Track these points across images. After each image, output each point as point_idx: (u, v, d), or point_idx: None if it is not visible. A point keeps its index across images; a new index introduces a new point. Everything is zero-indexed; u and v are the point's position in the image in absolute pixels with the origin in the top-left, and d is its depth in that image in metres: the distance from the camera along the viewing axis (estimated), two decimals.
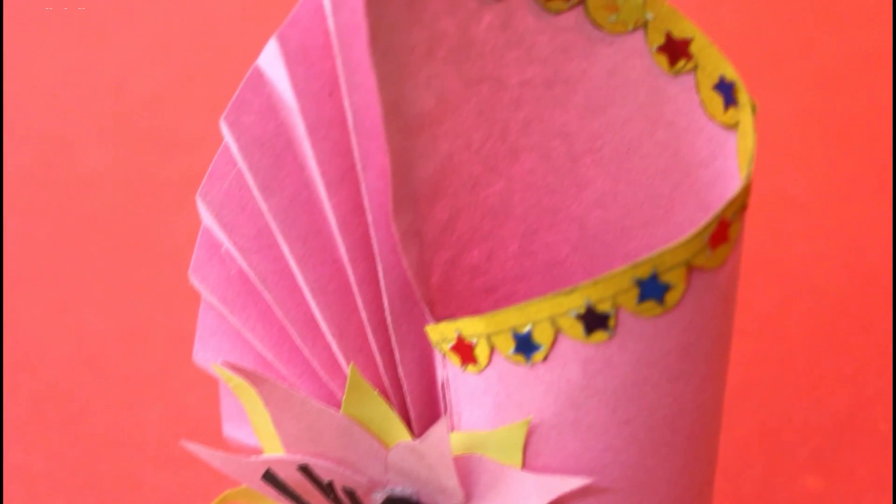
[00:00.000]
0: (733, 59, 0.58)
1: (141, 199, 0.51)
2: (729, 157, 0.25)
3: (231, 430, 0.30)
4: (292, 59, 0.24)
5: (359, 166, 0.24)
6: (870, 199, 0.48)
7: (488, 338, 0.24)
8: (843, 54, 0.56)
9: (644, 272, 0.23)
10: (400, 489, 0.27)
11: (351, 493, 0.27)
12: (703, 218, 0.26)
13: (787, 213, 0.47)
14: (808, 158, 0.50)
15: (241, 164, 0.25)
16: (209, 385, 0.37)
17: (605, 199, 0.27)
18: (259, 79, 0.25)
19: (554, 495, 0.25)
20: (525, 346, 0.24)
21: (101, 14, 0.61)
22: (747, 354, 0.41)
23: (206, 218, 0.26)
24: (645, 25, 0.25)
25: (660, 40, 0.25)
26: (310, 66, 0.24)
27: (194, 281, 0.27)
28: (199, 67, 0.58)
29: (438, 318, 0.26)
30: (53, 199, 0.51)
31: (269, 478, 0.27)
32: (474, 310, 0.28)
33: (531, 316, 0.23)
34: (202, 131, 0.53)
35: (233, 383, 0.27)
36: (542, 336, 0.24)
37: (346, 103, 0.23)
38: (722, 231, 0.23)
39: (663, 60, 0.25)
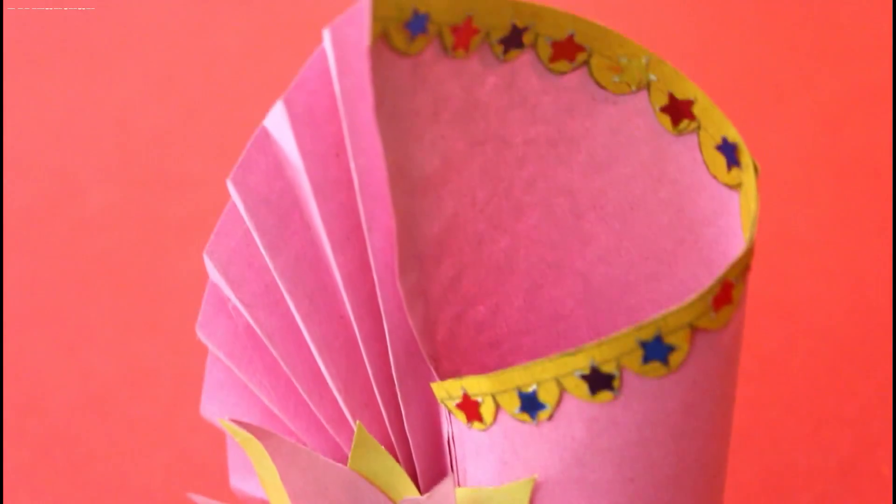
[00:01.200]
0: (735, 98, 0.59)
1: (146, 239, 0.51)
2: (732, 215, 0.25)
3: (238, 481, 0.30)
4: (298, 122, 0.24)
5: (365, 227, 0.24)
6: (872, 240, 0.48)
7: (493, 396, 0.24)
8: (845, 93, 0.56)
9: (648, 334, 0.23)
10: None
11: None
12: (706, 274, 0.26)
13: (788, 253, 0.47)
14: (811, 198, 0.50)
15: (248, 222, 0.25)
16: (215, 430, 0.37)
17: (608, 255, 0.27)
18: (266, 139, 0.25)
19: None
20: (530, 404, 0.24)
21: (107, 52, 0.61)
22: (750, 398, 0.42)
23: (213, 274, 0.27)
24: (648, 86, 0.25)
25: (663, 101, 0.25)
26: (316, 128, 0.24)
27: (202, 336, 0.27)
28: (205, 106, 0.58)
29: (444, 374, 0.27)
30: (57, 238, 0.51)
31: None
32: (479, 364, 0.28)
33: (536, 376, 0.24)
34: (208, 170, 0.54)
35: (239, 437, 0.28)
36: (548, 395, 0.24)
37: (352, 166, 0.24)
38: (725, 293, 0.23)
39: (666, 120, 0.25)
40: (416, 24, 0.23)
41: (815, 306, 0.46)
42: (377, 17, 0.22)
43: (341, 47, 0.23)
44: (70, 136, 0.56)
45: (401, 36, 0.22)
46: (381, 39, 0.22)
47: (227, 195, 0.26)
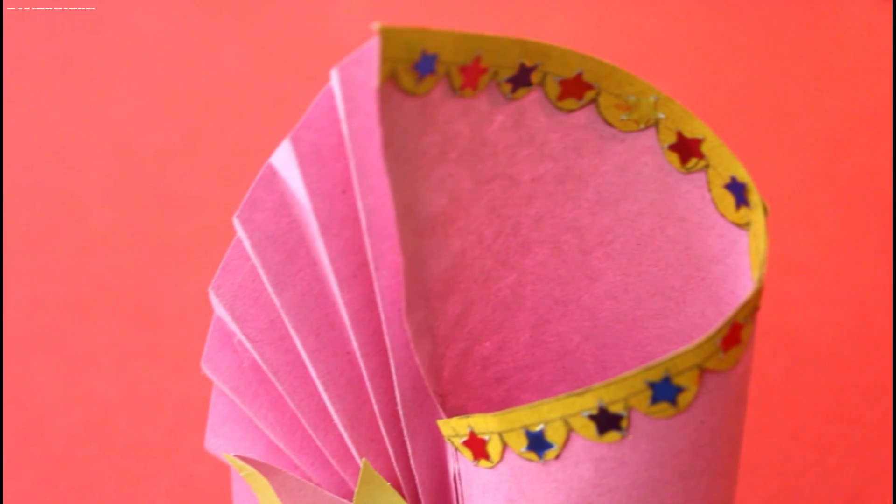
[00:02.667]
0: (739, 123, 0.58)
1: (149, 260, 0.51)
2: (740, 254, 0.25)
3: None
4: (305, 160, 0.24)
5: (371, 266, 0.24)
6: (877, 265, 0.48)
7: (500, 435, 0.24)
8: (849, 117, 0.56)
9: (656, 375, 0.23)
10: None
11: None
12: (714, 312, 0.26)
13: (793, 280, 0.47)
14: (816, 223, 0.50)
15: (254, 259, 0.25)
16: (218, 459, 0.37)
17: (616, 291, 0.27)
18: (272, 177, 0.25)
19: None
20: (538, 444, 0.24)
21: (109, 72, 0.61)
22: (755, 425, 0.41)
23: (219, 309, 0.27)
24: (657, 124, 0.25)
25: (671, 139, 0.25)
26: (322, 166, 0.24)
27: (207, 370, 0.27)
28: (208, 126, 0.58)
29: (449, 411, 0.27)
30: (60, 259, 0.51)
31: None
32: (485, 399, 0.28)
33: (543, 416, 0.23)
34: (211, 190, 0.54)
35: (244, 472, 0.27)
36: (555, 435, 0.24)
37: (360, 205, 0.23)
38: (734, 334, 0.23)
39: (675, 158, 0.25)
40: (425, 65, 0.23)
41: (819, 334, 0.46)
42: (386, 58, 0.22)
43: (349, 87, 0.23)
44: (71, 156, 0.56)
45: (409, 77, 0.22)
46: (390, 81, 0.22)
47: (230, 214, 0.25)
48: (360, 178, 0.23)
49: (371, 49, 0.22)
